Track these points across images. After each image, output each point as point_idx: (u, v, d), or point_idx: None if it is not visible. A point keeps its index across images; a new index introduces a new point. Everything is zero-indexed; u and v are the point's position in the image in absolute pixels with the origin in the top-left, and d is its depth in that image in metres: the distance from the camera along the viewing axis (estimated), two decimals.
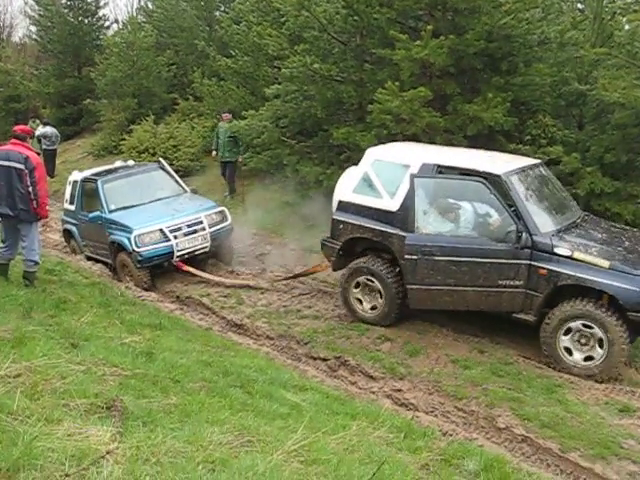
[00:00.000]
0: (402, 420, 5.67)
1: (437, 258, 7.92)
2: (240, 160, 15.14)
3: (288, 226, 12.60)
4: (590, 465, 5.72)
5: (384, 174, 8.75)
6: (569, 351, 7.46)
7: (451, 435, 6.05)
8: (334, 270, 9.56)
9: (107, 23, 27.75)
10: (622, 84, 9.59)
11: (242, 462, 3.38)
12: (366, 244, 8.96)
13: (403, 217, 8.25)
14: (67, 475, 2.67)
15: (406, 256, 8.08)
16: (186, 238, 11.16)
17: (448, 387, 7.10)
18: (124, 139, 19.37)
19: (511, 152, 10.07)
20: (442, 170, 8.31)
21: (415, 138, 10.43)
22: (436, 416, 6.66)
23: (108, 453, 2.93)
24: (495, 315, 8.20)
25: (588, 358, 7.37)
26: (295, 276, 10.64)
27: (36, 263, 8.41)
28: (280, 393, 5.69)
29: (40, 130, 20.26)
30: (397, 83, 10.20)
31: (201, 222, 11.37)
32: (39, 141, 19.92)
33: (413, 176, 8.15)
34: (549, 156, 10.17)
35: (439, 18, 10.68)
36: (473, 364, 7.59)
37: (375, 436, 4.79)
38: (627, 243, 8.00)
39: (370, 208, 8.71)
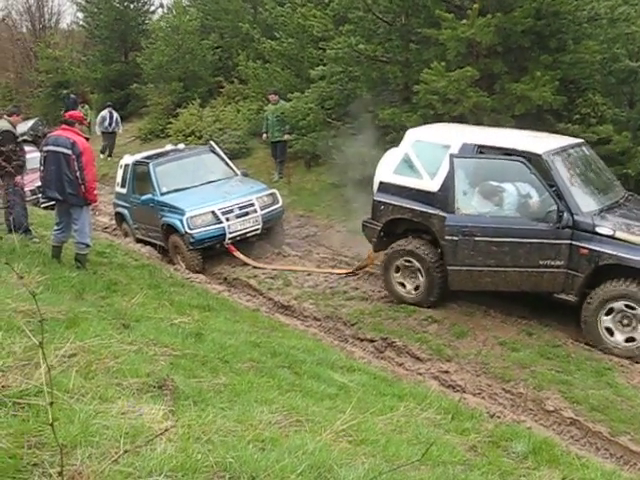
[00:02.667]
0: (449, 402, 5.66)
1: (478, 239, 7.86)
2: (287, 138, 15.16)
3: (334, 208, 12.61)
4: None
5: (424, 155, 8.73)
6: (610, 331, 7.38)
7: (499, 417, 6.03)
8: (375, 251, 9.56)
9: (152, 8, 28.10)
10: None
11: (291, 441, 3.42)
12: (407, 225, 8.94)
13: (443, 198, 8.21)
14: (126, 451, 2.73)
15: (446, 237, 8.04)
16: (238, 220, 11.20)
17: (495, 369, 7.07)
18: (170, 123, 19.57)
19: (560, 131, 9.90)
20: (482, 150, 8.27)
21: (462, 118, 10.32)
22: (483, 398, 6.64)
23: (163, 433, 2.99)
24: (543, 297, 8.11)
25: (630, 339, 7.29)
26: (354, 271, 10.42)
27: (87, 246, 8.56)
28: (327, 374, 5.72)
29: (101, 114, 20.65)
30: (443, 63, 10.10)
31: (252, 204, 11.40)
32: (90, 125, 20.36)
33: (452, 156, 8.10)
34: (599, 135, 10.00)
35: None
36: (521, 346, 7.53)
37: (423, 417, 4.79)
38: None
39: (411, 189, 8.70)
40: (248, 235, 11.39)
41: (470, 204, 8.11)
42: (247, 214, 11.31)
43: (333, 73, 12.82)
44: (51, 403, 2.39)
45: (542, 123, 10.29)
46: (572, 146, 8.46)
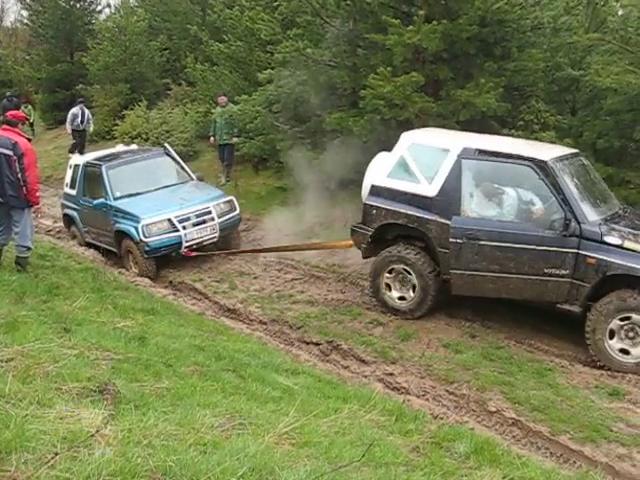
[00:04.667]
0: (393, 403, 5.70)
1: (482, 243, 7.75)
2: (235, 141, 15.08)
3: (281, 212, 12.60)
4: (580, 448, 5.78)
5: (421, 158, 8.50)
6: (626, 352, 7.24)
7: (442, 418, 6.09)
8: (364, 258, 9.23)
9: (99, 7, 27.63)
10: (615, 69, 9.59)
11: (234, 444, 3.40)
12: (398, 231, 8.72)
13: (442, 202, 8.05)
14: (56, 454, 2.68)
15: (451, 239, 7.86)
16: (195, 229, 11.00)
17: (439, 371, 7.15)
18: (117, 124, 19.33)
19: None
20: (484, 155, 8.07)
21: (408, 123, 10.43)
22: (427, 400, 6.70)
23: (97, 433, 2.94)
24: (486, 299, 8.22)
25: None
26: (316, 247, 10.40)
27: (28, 249, 8.41)
28: (272, 377, 5.71)
29: (72, 111, 19.59)
30: (390, 68, 10.17)
31: (210, 212, 11.21)
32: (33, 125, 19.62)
33: (461, 157, 7.96)
34: (542, 141, 10.18)
35: (432, 3, 10.62)
36: (464, 348, 7.64)
37: (366, 419, 4.82)
38: None
39: (406, 193, 8.46)
40: (205, 244, 11.23)
41: (475, 207, 7.98)
42: (204, 222, 11.11)
43: (281, 77, 12.81)
44: None
45: (486, 129, 10.44)
46: (572, 155, 8.37)
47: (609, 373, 7.12)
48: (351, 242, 9.39)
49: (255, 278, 10.40)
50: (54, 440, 2.93)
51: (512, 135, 10.31)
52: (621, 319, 7.17)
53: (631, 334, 7.20)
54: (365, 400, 5.40)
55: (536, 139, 10.21)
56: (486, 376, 6.96)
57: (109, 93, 21.49)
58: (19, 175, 8.08)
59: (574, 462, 5.69)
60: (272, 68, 13.11)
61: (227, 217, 11.45)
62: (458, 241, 7.84)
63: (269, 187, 14.55)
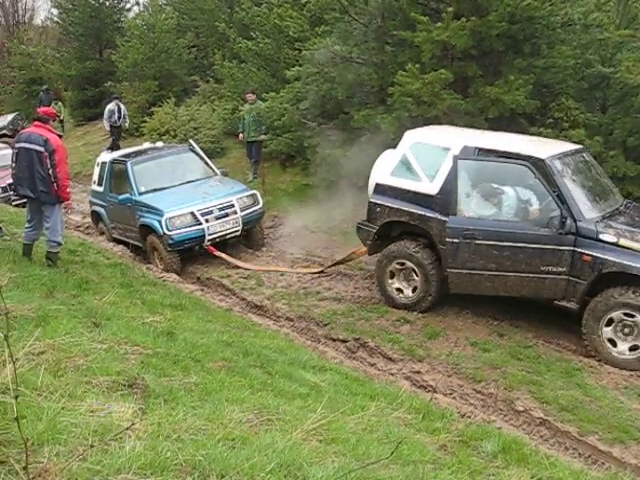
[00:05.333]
0: (421, 401, 5.68)
1: (479, 242, 7.81)
2: (263, 138, 15.13)
3: (308, 208, 12.60)
4: (608, 449, 5.74)
5: (423, 157, 8.61)
6: (613, 342, 7.29)
7: (469, 417, 6.08)
8: (369, 254, 9.44)
9: (128, 5, 27.84)
10: None
11: (262, 440, 3.41)
12: (402, 228, 8.85)
13: (443, 201, 8.13)
14: (92, 445, 2.71)
15: (447, 239, 7.96)
16: (217, 222, 11.09)
17: (467, 370, 7.12)
18: (145, 121, 19.43)
19: (533, 135, 10.00)
20: (483, 153, 8.14)
21: (436, 121, 10.38)
22: (454, 398, 6.69)
23: (129, 428, 2.97)
24: (514, 298, 8.17)
25: (634, 347, 7.20)
26: (336, 263, 10.41)
27: (59, 244, 8.49)
28: (299, 373, 5.72)
29: (109, 107, 19.57)
30: (418, 65, 10.14)
31: (232, 205, 11.30)
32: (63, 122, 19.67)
33: (456, 157, 8.00)
34: (571, 139, 10.08)
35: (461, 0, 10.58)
36: (492, 347, 7.60)
37: (394, 417, 4.82)
38: None
39: (408, 191, 8.58)
40: (227, 237, 11.30)
41: (472, 207, 8.03)
42: (227, 215, 11.20)
43: (309, 74, 12.81)
44: (16, 397, 2.37)
45: (515, 126, 10.37)
46: (573, 152, 8.38)
47: (638, 374, 7.04)
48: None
49: (282, 275, 10.41)
50: (85, 433, 2.96)
51: (541, 133, 10.23)
52: (609, 320, 7.24)
53: (627, 330, 7.25)
54: (392, 398, 5.39)
55: (565, 137, 10.13)
56: (514, 375, 6.92)
57: (137, 90, 21.64)
58: (50, 171, 8.15)
59: (603, 463, 5.65)
60: (300, 65, 13.12)
61: (250, 210, 11.52)
62: (455, 240, 7.93)
63: (296, 184, 14.56)
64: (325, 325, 8.53)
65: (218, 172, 12.64)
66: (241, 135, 15.69)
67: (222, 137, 17.80)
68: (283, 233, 12.71)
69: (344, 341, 8.09)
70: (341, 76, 12.18)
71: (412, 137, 8.92)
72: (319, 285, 9.88)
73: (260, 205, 11.78)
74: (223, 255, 11.09)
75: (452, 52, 10.68)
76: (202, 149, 13.36)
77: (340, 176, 12.01)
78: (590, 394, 6.56)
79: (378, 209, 8.89)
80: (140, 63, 21.60)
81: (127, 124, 19.93)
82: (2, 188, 14.50)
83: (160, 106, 19.55)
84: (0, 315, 4.12)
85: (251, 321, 8.57)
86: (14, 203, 13.18)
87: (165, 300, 7.92)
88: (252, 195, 11.79)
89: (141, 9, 27.10)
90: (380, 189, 8.92)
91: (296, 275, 10.35)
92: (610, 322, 7.26)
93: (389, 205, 8.77)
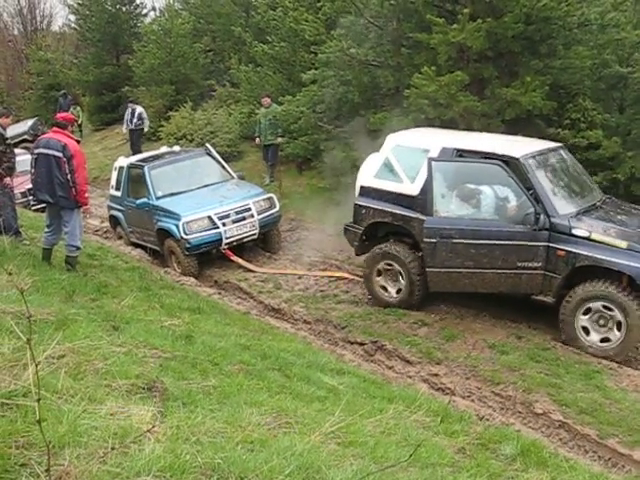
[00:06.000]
0: (439, 404, 5.67)
1: (455, 241, 7.99)
2: (279, 142, 15.16)
3: (325, 212, 12.61)
4: (629, 452, 5.70)
5: (404, 159, 8.85)
6: (587, 331, 7.52)
7: (488, 420, 6.06)
8: (357, 255, 9.68)
9: (144, 11, 28.00)
10: None
11: (280, 443, 3.42)
12: (388, 229, 9.06)
13: (423, 201, 8.32)
14: (112, 448, 2.73)
15: (425, 239, 8.17)
16: (234, 225, 11.13)
17: (485, 372, 7.09)
18: (162, 126, 19.53)
19: (550, 136, 9.98)
20: (461, 154, 8.37)
21: (452, 123, 10.37)
22: (473, 401, 6.67)
23: (148, 431, 2.99)
24: (532, 300, 8.14)
25: (605, 340, 7.42)
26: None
27: (78, 248, 8.55)
28: (317, 376, 5.73)
29: (127, 111, 19.64)
30: (434, 67, 10.13)
31: (249, 209, 11.33)
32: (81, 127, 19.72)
33: (430, 159, 8.21)
34: (589, 140, 10.06)
35: (476, 1, 10.54)
36: (510, 349, 7.57)
37: (412, 420, 4.81)
38: None
39: (391, 193, 8.85)
40: (245, 240, 11.32)
41: (448, 207, 8.25)
42: (244, 219, 11.23)
43: (325, 77, 12.84)
44: (38, 400, 2.39)
45: (532, 128, 10.34)
46: (550, 150, 8.63)
47: None
48: None
49: (299, 278, 10.43)
50: (105, 436, 2.98)
51: (558, 135, 10.20)
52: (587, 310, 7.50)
53: (602, 321, 7.45)
54: (410, 401, 5.38)
55: (583, 138, 10.10)
56: (532, 377, 6.89)
57: (154, 95, 21.74)
58: (68, 176, 8.21)
59: (623, 466, 5.61)
60: (316, 68, 13.16)
61: (267, 214, 11.54)
62: (432, 240, 8.11)
63: (313, 187, 14.58)
64: (343, 328, 8.53)
65: (235, 175, 12.67)
66: (257, 139, 15.74)
67: (239, 141, 17.85)
68: (300, 236, 12.73)
69: (362, 344, 8.09)
70: (357, 79, 12.20)
71: (394, 140, 9.19)
72: (336, 288, 9.89)
73: (277, 208, 11.80)
74: (239, 260, 11.12)
75: (468, 54, 10.67)
76: (219, 153, 13.41)
77: (356, 179, 12.00)
78: (610, 396, 6.51)
79: (363, 211, 9.16)
80: (157, 68, 21.72)
81: (146, 127, 19.68)
82: (21, 193, 14.58)
83: (177, 110, 19.64)
84: (22, 319, 4.16)
85: (269, 324, 8.58)
86: (33, 208, 13.29)
87: (183, 304, 7.95)
88: (269, 198, 11.82)
89: (157, 14, 27.29)
90: (365, 191, 9.20)
91: (313, 278, 10.36)
92: (588, 311, 7.46)
93: (373, 207, 9.04)
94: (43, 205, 9.20)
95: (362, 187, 9.23)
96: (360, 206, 9.18)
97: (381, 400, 5.36)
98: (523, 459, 4.54)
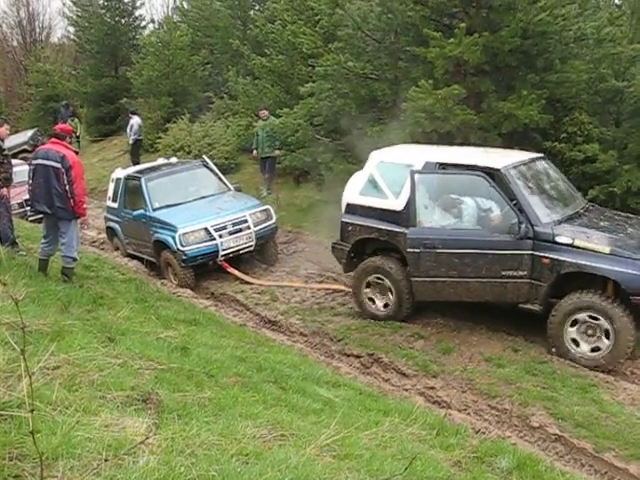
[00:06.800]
0: (435, 417, 5.66)
1: (439, 251, 8.05)
2: (277, 154, 15.17)
3: (322, 224, 12.62)
4: (625, 466, 5.67)
5: (388, 175, 8.92)
6: (576, 342, 7.53)
7: (484, 433, 6.03)
8: (345, 272, 9.71)
9: (143, 23, 28.22)
10: None
11: (275, 455, 3.41)
12: (375, 245, 9.11)
13: (408, 216, 8.36)
14: (106, 460, 2.72)
15: (408, 249, 8.23)
16: (231, 237, 11.13)
17: (481, 385, 7.08)
18: (160, 137, 19.58)
19: (547, 150, 10.03)
20: (445, 167, 8.46)
21: (449, 136, 10.39)
22: (469, 414, 6.65)
23: (142, 442, 2.98)
24: (530, 313, 8.13)
25: (595, 349, 7.43)
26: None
27: (74, 259, 8.54)
28: (313, 389, 5.72)
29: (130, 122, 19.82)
30: (431, 81, 10.16)
31: (246, 221, 11.33)
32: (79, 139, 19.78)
33: (413, 172, 8.28)
34: (585, 154, 10.09)
35: (473, 15, 10.60)
36: (507, 362, 7.55)
37: (407, 433, 4.80)
38: (630, 230, 8.06)
39: (376, 209, 8.90)
40: (241, 252, 11.32)
41: (431, 218, 8.33)
42: (240, 231, 11.23)
43: (322, 90, 12.86)
44: (32, 411, 2.38)
45: (529, 141, 10.38)
46: (532, 160, 8.75)
47: None
48: None
49: (296, 290, 10.42)
50: (99, 447, 2.97)
51: (555, 148, 10.25)
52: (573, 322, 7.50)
53: (590, 331, 7.47)
54: (406, 414, 5.37)
55: (579, 151, 10.13)
56: (529, 391, 6.87)
57: (152, 107, 21.81)
58: (67, 187, 8.22)
59: None
60: (313, 81, 13.18)
61: (263, 226, 11.55)
62: (416, 250, 8.17)
63: (310, 200, 14.60)
64: (339, 340, 8.52)
65: (231, 187, 12.68)
66: (255, 151, 15.76)
67: (236, 153, 17.89)
68: (297, 249, 12.74)
69: (358, 356, 8.08)
70: (354, 92, 12.23)
71: (377, 157, 9.25)
72: (333, 300, 9.88)
73: (273, 220, 11.81)
74: (236, 272, 11.11)
75: (465, 67, 10.70)
76: (216, 165, 13.43)
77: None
78: (606, 410, 6.49)
79: (350, 228, 9.19)
80: (155, 80, 21.80)
81: (131, 139, 19.76)
82: (18, 204, 14.61)
83: (175, 122, 19.69)
84: (17, 330, 4.15)
85: (265, 336, 8.58)
86: (30, 219, 13.29)
87: (179, 315, 7.95)
88: (265, 210, 11.83)
89: (156, 26, 27.42)
90: (351, 208, 9.25)
91: (310, 290, 10.35)
92: (574, 323, 7.50)
93: (359, 223, 9.08)
94: (40, 216, 9.20)
95: (348, 204, 9.29)
96: (347, 223, 9.23)
97: (377, 413, 5.35)
98: (519, 473, 4.54)
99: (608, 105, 11.08)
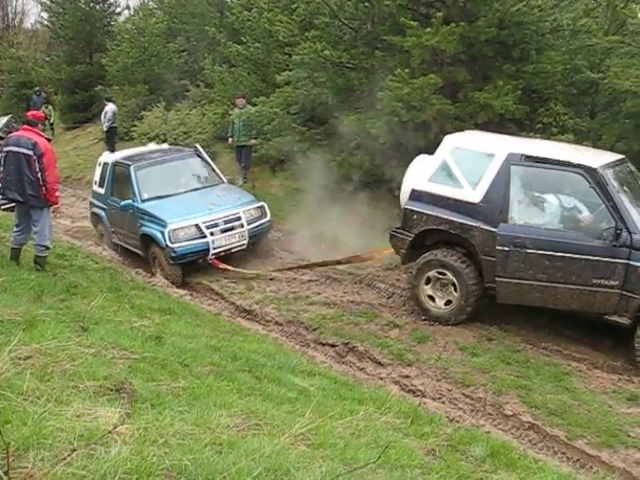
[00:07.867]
0: (409, 406, 5.68)
1: (529, 251, 7.54)
2: (253, 143, 15.08)
3: (298, 213, 12.60)
4: (597, 453, 5.74)
5: (465, 163, 8.24)
6: None
7: (458, 421, 6.08)
8: (403, 264, 9.14)
9: (118, 9, 27.75)
10: (634, 72, 9.53)
11: (249, 445, 3.40)
12: (438, 236, 8.49)
13: (487, 209, 7.86)
14: (73, 450, 2.69)
15: (497, 247, 7.66)
16: (223, 235, 10.63)
17: (456, 374, 7.11)
18: (135, 125, 19.38)
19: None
20: (530, 161, 7.81)
21: (426, 125, 10.41)
22: (443, 403, 6.68)
23: (111, 432, 2.95)
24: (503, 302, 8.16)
25: None
26: (337, 262, 10.24)
27: (47, 248, 8.46)
28: (288, 378, 5.72)
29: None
30: (407, 70, 10.18)
31: (239, 218, 10.85)
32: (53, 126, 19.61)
33: (510, 163, 7.74)
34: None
35: (450, 5, 10.63)
36: (481, 351, 7.60)
37: (382, 421, 4.81)
38: None
39: (448, 198, 8.19)
40: (233, 251, 10.87)
41: (524, 214, 7.77)
42: (233, 228, 10.75)
43: (299, 78, 12.81)
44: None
45: (504, 132, 10.41)
46: (620, 161, 8.06)
47: (627, 378, 7.06)
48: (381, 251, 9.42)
49: (271, 279, 10.39)
50: (71, 438, 2.94)
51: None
52: None
53: None
54: (381, 402, 5.39)
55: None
56: (503, 379, 6.93)
57: (128, 94, 21.58)
58: (39, 175, 8.13)
59: (591, 467, 5.66)
60: (290, 70, 13.12)
61: (257, 224, 11.08)
62: (505, 249, 7.63)
63: (286, 188, 14.56)
64: (314, 329, 8.51)
65: (224, 179, 12.23)
66: (230, 139, 15.68)
67: (212, 141, 17.74)
68: (273, 237, 12.68)
69: (333, 345, 8.08)
70: (331, 80, 12.20)
71: (453, 142, 8.55)
72: (308, 290, 9.86)
73: (268, 218, 11.35)
74: (229, 267, 10.66)
75: (442, 57, 10.73)
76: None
77: (330, 181, 12.01)
78: (579, 398, 6.57)
79: (415, 216, 8.45)
80: (130, 67, 21.57)
81: (105, 126, 19.86)
82: None
83: (150, 110, 19.50)
84: None
85: (240, 326, 8.54)
86: (2, 207, 13.10)
87: (154, 304, 7.90)
88: (260, 207, 11.34)
89: (131, 13, 27.08)
90: (417, 195, 8.48)
91: (285, 280, 10.32)
92: None
93: (427, 212, 8.35)
94: (12, 204, 9.07)
95: (414, 190, 8.49)
96: (411, 211, 8.46)
97: (352, 402, 5.35)
98: (493, 460, 4.56)
99: (583, 96, 11.17)
